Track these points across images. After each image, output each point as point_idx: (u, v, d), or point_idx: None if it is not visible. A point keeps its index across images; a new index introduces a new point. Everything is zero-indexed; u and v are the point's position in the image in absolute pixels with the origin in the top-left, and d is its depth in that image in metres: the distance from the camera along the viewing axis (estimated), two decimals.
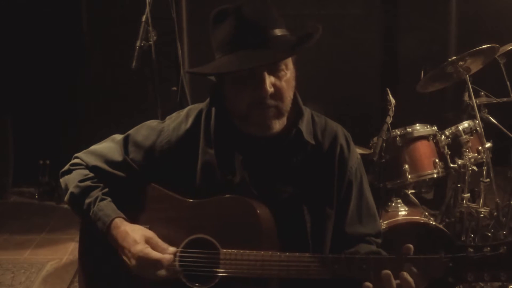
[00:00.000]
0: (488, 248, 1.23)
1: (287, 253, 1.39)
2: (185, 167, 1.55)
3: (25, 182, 4.90)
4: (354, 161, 1.58)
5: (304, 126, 1.53)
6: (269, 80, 1.39)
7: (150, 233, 1.51)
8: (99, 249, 1.58)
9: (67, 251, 3.71)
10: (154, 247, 1.47)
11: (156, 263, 1.45)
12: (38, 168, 4.68)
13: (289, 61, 1.45)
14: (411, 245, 1.32)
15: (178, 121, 1.61)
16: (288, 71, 1.44)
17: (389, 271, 1.29)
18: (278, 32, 1.40)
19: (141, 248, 1.46)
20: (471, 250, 1.25)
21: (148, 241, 1.48)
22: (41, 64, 4.65)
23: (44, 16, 4.59)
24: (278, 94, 1.41)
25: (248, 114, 1.43)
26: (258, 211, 1.43)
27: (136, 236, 1.48)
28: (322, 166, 1.54)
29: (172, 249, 1.48)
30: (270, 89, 1.39)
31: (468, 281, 1.24)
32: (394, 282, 1.29)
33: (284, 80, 1.42)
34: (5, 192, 4.80)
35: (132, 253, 1.47)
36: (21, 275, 3.37)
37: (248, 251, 1.40)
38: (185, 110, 1.64)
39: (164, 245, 1.49)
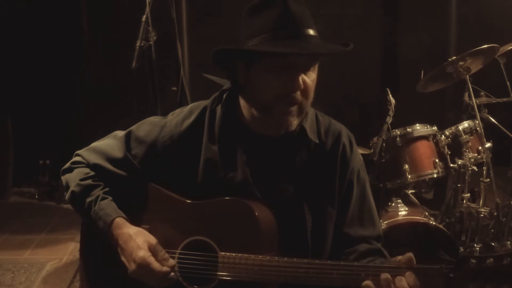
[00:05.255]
0: (491, 260, 1.22)
1: (286, 259, 1.38)
2: (187, 163, 1.55)
3: (25, 182, 4.90)
4: (357, 162, 1.59)
5: (308, 124, 1.54)
6: (301, 76, 1.40)
7: (152, 239, 1.50)
8: (101, 249, 1.57)
9: (67, 251, 3.71)
10: (155, 255, 1.47)
11: (155, 274, 1.45)
12: (38, 168, 4.68)
13: (317, 64, 1.46)
14: (411, 256, 1.30)
15: (181, 116, 1.60)
16: (314, 73, 1.46)
17: (388, 275, 1.28)
18: (314, 32, 1.42)
19: (144, 255, 1.46)
20: (474, 261, 1.23)
21: (150, 248, 1.48)
22: (41, 64, 4.65)
23: (44, 16, 4.59)
24: (305, 91, 1.43)
25: (272, 106, 1.42)
26: (256, 214, 1.42)
27: (139, 241, 1.48)
28: (325, 164, 1.54)
29: (171, 262, 1.48)
30: (301, 85, 1.40)
31: None
32: (394, 287, 1.28)
33: (311, 79, 1.44)
34: (5, 192, 4.80)
35: (133, 257, 1.47)
36: (21, 275, 3.36)
37: (246, 255, 1.39)
38: (188, 106, 1.64)
39: (165, 255, 1.48)
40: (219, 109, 1.56)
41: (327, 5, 4.82)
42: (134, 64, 2.42)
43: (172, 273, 1.47)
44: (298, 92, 1.41)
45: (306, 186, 1.52)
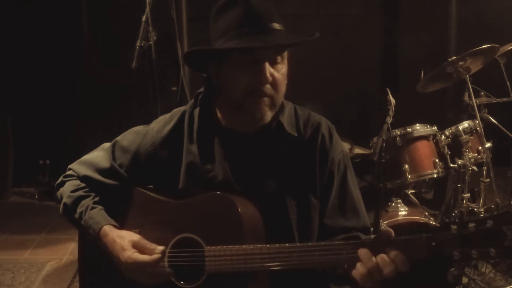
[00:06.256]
0: (473, 224, 1.16)
1: (268, 245, 1.39)
2: (170, 167, 1.59)
3: (25, 182, 4.90)
4: (338, 152, 1.59)
5: (286, 118, 1.56)
6: (269, 69, 1.43)
7: (136, 237, 1.54)
8: (98, 251, 1.59)
9: (67, 251, 3.71)
10: (142, 250, 1.51)
11: (146, 265, 1.48)
12: (38, 168, 4.69)
13: (285, 56, 1.49)
14: (390, 229, 1.30)
15: (162, 123, 1.65)
16: (284, 65, 1.48)
17: (366, 249, 1.28)
18: (279, 26, 1.45)
19: (129, 254, 1.50)
20: (455, 227, 1.18)
21: (135, 245, 1.52)
22: (41, 63, 4.66)
23: (44, 16, 4.59)
24: (275, 84, 1.45)
25: (243, 101, 1.45)
26: (239, 209, 1.44)
27: (123, 243, 1.52)
28: (304, 156, 1.56)
29: (160, 248, 1.50)
30: (269, 78, 1.43)
31: (454, 259, 1.18)
32: (373, 259, 1.27)
33: (281, 72, 1.47)
34: (5, 192, 4.80)
35: (121, 260, 1.51)
36: (21, 275, 3.37)
37: (230, 247, 1.42)
38: (170, 113, 1.68)
39: (151, 245, 1.51)
40: (197, 111, 1.60)
41: (327, 5, 4.83)
42: (134, 64, 2.42)
43: (166, 264, 1.49)
44: (268, 86, 1.44)
45: (288, 179, 1.53)
